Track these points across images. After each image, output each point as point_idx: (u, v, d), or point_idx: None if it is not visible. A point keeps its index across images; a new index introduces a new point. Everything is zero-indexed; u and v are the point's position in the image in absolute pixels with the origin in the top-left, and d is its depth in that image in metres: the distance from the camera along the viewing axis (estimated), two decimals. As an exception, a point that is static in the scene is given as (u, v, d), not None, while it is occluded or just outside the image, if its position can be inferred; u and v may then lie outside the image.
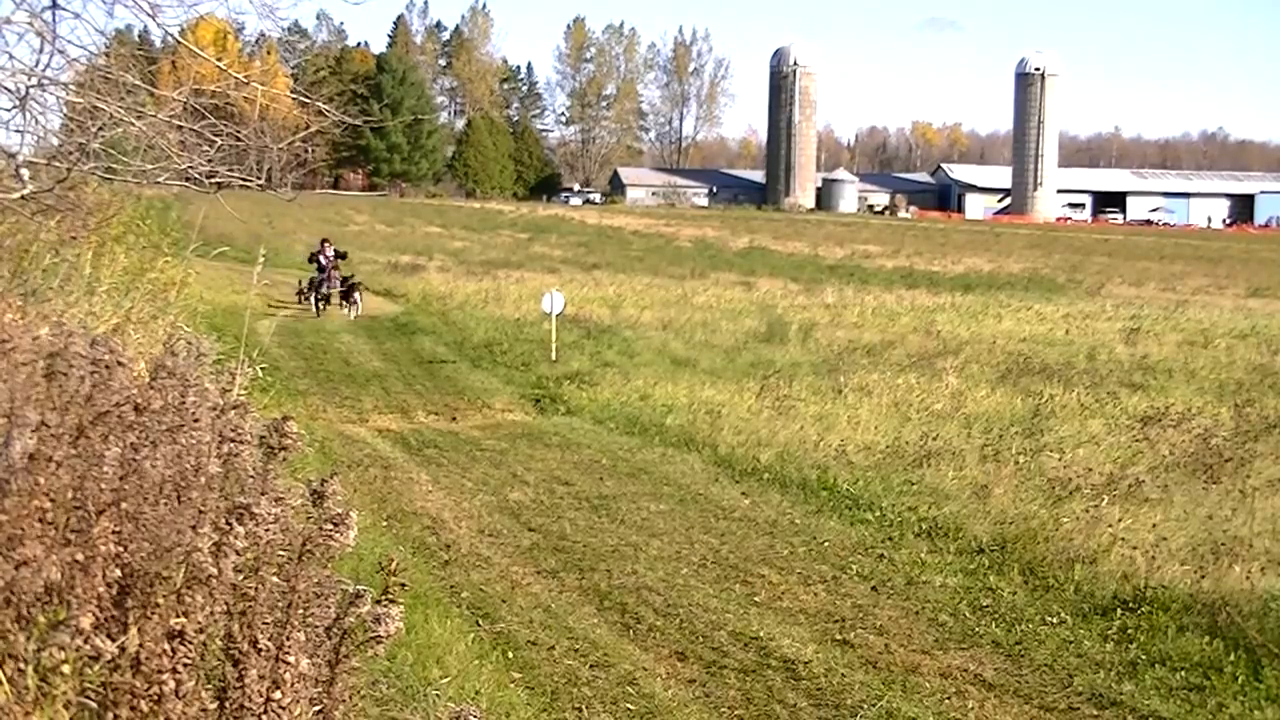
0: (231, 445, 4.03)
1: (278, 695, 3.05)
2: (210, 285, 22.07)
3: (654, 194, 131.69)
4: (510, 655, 7.39)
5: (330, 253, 28.69)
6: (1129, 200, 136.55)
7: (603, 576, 9.03)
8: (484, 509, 10.88)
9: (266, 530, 3.23)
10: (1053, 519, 10.39)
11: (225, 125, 8.34)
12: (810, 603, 8.66)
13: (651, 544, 9.90)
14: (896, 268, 47.14)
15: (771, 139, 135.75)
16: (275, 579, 3.26)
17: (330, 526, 3.24)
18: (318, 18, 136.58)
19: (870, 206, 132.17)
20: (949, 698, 7.10)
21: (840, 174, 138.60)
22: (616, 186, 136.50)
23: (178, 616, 3.13)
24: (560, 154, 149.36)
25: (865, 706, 6.91)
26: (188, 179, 8.79)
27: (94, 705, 3.13)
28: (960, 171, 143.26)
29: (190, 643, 3.11)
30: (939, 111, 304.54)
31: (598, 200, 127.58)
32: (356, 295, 26.71)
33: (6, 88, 7.23)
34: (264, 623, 3.16)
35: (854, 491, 11.58)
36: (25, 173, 8.19)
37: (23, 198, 8.17)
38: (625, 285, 33.46)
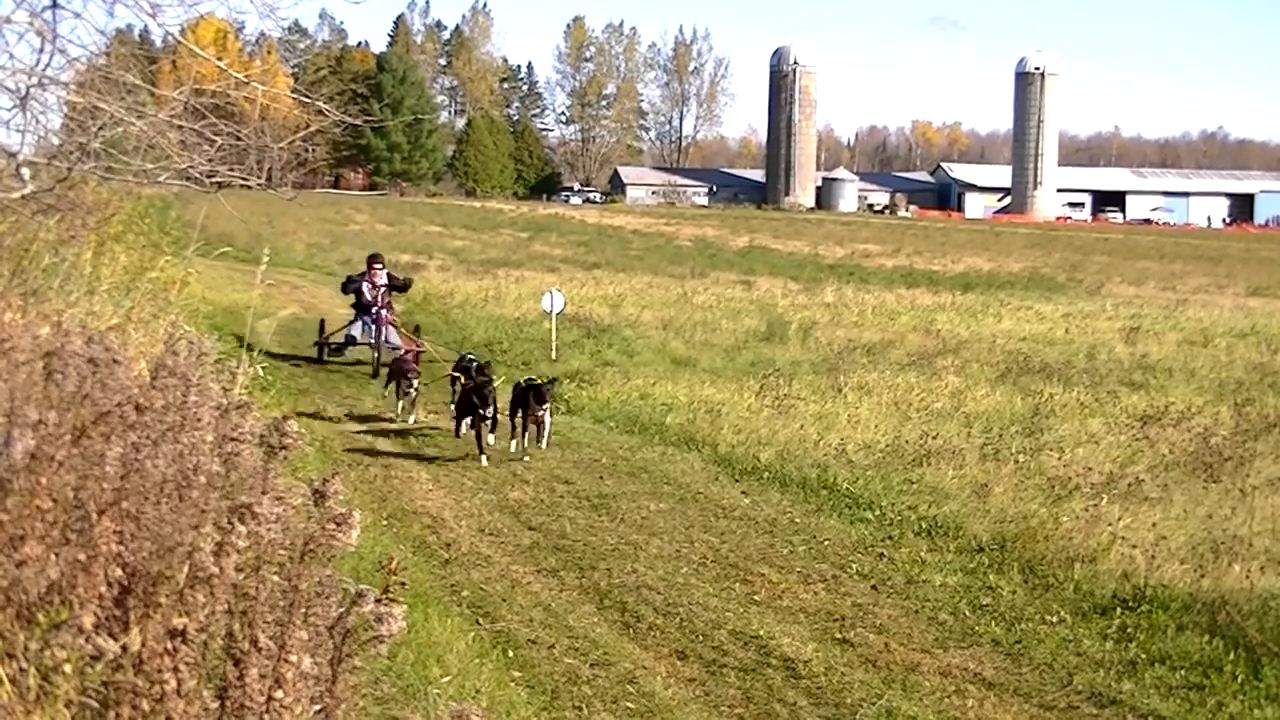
0: (233, 445, 4.04)
1: (279, 694, 3.06)
2: (211, 285, 22.08)
3: (654, 193, 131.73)
4: (510, 654, 7.39)
5: (382, 280, 18.03)
6: (1129, 199, 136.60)
7: (603, 575, 9.04)
8: (484, 508, 10.89)
9: (268, 529, 3.24)
10: (1052, 518, 10.39)
11: (225, 125, 8.35)
12: (810, 601, 8.66)
13: (651, 543, 9.91)
14: (896, 267, 47.13)
15: (771, 138, 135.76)
16: (276, 578, 3.27)
17: (333, 526, 3.25)
18: (320, 17, 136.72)
19: (870, 206, 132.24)
20: (949, 696, 7.11)
21: (840, 173, 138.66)
22: (616, 186, 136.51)
23: (179, 616, 3.14)
24: (560, 153, 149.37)
25: (865, 705, 6.92)
26: (188, 178, 8.80)
27: (95, 704, 3.13)
28: (960, 171, 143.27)
29: (192, 642, 3.12)
30: (939, 111, 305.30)
31: (598, 199, 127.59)
32: (545, 415, 12.86)
33: (7, 87, 7.24)
34: (265, 622, 3.17)
35: (854, 490, 11.59)
36: (26, 172, 8.20)
37: (23, 197, 8.18)
38: (625, 284, 33.44)
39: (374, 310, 17.68)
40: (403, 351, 16.36)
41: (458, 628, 7.55)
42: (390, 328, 17.58)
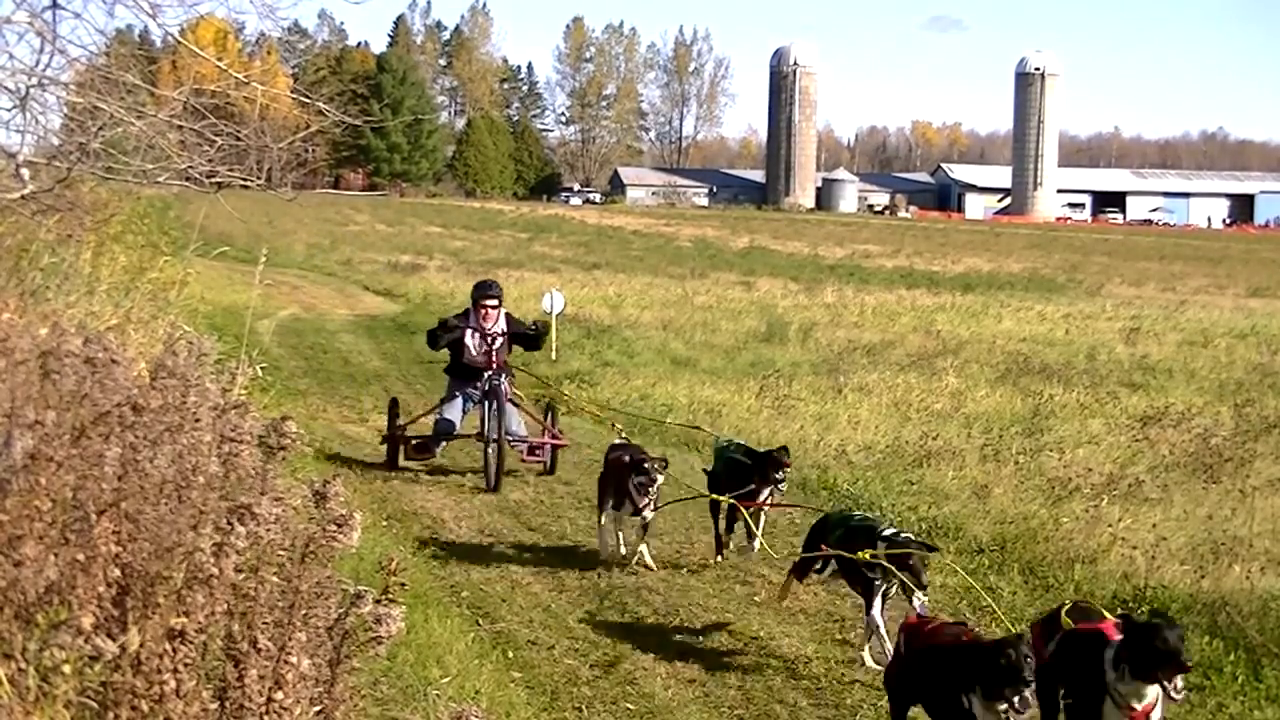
0: (232, 445, 4.03)
1: (279, 695, 3.06)
2: (210, 285, 22.07)
3: (654, 194, 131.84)
4: (510, 655, 7.39)
5: (498, 327, 11.52)
6: (1129, 200, 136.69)
7: (603, 576, 9.03)
8: (484, 508, 10.88)
9: (267, 530, 3.23)
10: (1053, 519, 10.38)
11: (225, 125, 8.36)
12: (810, 602, 8.66)
13: (651, 544, 9.89)
14: (896, 267, 47.12)
15: (771, 139, 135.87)
16: (276, 579, 3.27)
17: (333, 527, 3.24)
18: (320, 17, 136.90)
19: (870, 206, 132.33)
20: (949, 697, 7.09)
21: (840, 174, 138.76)
22: (616, 186, 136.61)
23: (178, 616, 3.13)
24: (560, 154, 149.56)
25: (865, 706, 6.91)
26: (188, 179, 8.81)
27: (95, 705, 3.13)
28: (960, 171, 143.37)
29: (191, 642, 3.11)
30: (939, 111, 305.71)
31: (598, 200, 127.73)
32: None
33: (7, 88, 7.24)
34: (264, 623, 3.17)
35: (854, 491, 11.57)
36: (25, 172, 8.21)
37: (23, 197, 8.19)
38: (625, 285, 33.42)
39: (486, 378, 11.12)
40: (621, 438, 10.11)
41: (457, 628, 7.55)
42: (512, 406, 11.26)
